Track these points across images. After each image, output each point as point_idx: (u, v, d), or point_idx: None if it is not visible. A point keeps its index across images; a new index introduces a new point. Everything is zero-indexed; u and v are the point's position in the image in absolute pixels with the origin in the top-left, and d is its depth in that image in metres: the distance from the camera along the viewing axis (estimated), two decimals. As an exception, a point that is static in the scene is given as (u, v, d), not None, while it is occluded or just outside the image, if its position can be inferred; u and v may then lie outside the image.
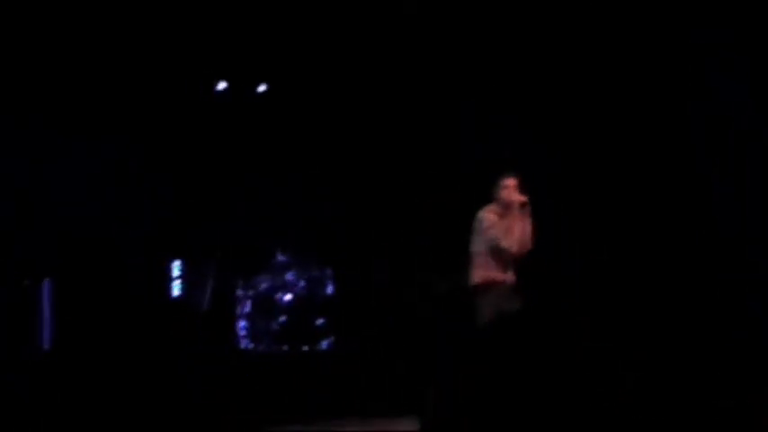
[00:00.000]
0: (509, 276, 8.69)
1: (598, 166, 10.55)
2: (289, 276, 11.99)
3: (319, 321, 11.87)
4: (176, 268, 11.78)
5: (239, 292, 11.93)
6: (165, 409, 9.94)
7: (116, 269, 11.24)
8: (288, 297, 11.95)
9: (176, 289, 11.83)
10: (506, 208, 8.66)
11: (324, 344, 11.88)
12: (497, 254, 8.60)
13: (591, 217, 10.42)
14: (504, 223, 8.61)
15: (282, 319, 11.88)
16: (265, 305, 11.92)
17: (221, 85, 11.70)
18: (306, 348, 11.85)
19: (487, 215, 8.67)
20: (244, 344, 11.83)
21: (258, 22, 10.92)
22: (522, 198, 8.61)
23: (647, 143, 10.23)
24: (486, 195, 8.71)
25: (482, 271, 8.63)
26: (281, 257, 12.04)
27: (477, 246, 8.67)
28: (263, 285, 11.98)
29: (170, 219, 11.64)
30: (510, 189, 8.69)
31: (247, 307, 11.91)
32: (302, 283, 11.99)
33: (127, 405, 9.81)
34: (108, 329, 10.83)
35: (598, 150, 10.55)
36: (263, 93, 11.82)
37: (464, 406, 7.03)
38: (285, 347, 11.84)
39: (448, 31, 10.65)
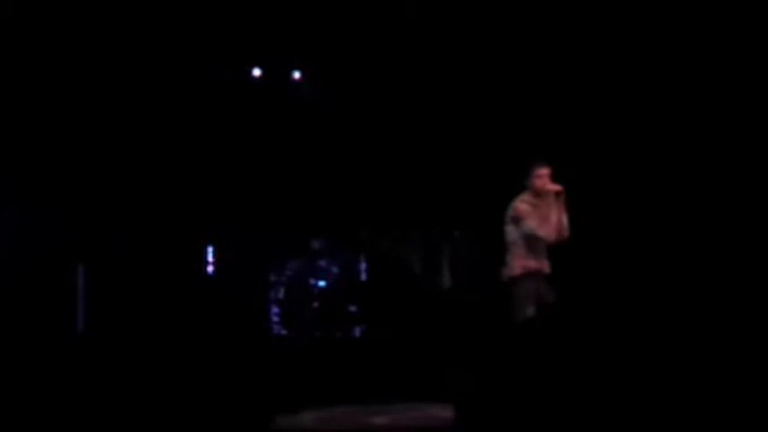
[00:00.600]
0: (545, 265, 8.83)
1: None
2: (322, 262, 11.92)
3: (352, 308, 11.80)
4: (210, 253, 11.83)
5: (272, 278, 11.84)
6: (197, 393, 9.71)
7: (151, 254, 11.31)
8: (321, 283, 11.88)
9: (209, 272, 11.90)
10: (540, 197, 8.83)
11: (356, 331, 11.82)
12: (534, 243, 8.77)
13: (624, 205, 10.51)
14: (539, 212, 8.79)
15: (315, 305, 11.81)
16: (298, 291, 11.83)
17: (257, 72, 11.78)
18: (338, 335, 11.78)
19: (521, 205, 8.86)
20: (276, 330, 11.77)
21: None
22: (557, 187, 8.77)
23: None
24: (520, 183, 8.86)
25: (519, 261, 8.84)
26: (315, 243, 11.97)
27: (513, 235, 8.85)
28: (297, 271, 11.89)
29: (202, 204, 11.68)
30: (544, 178, 8.86)
31: (280, 293, 11.83)
32: (335, 270, 11.91)
33: (158, 390, 9.57)
34: (142, 315, 10.88)
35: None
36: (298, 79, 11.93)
37: (501, 394, 7.06)
38: (318, 334, 11.76)
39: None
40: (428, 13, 10.84)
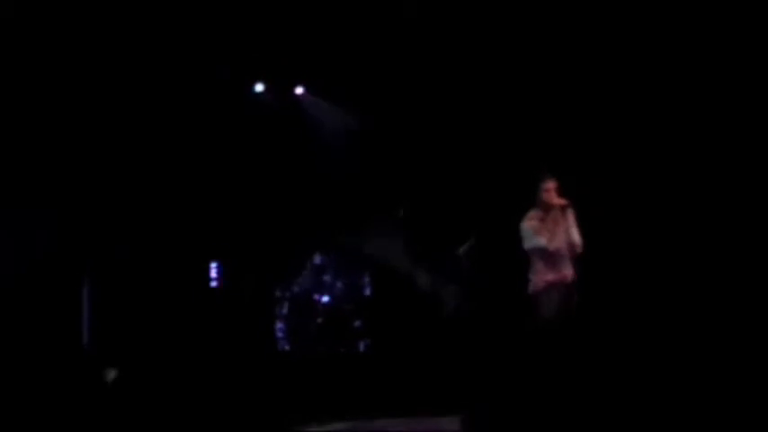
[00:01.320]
0: (567, 275, 8.90)
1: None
2: (326, 278, 11.86)
3: (356, 323, 11.76)
4: (214, 269, 11.84)
5: (277, 293, 11.82)
6: (202, 406, 9.71)
7: (156, 270, 11.29)
8: (325, 299, 11.82)
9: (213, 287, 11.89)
10: (548, 211, 8.94)
11: (361, 345, 11.76)
12: (550, 256, 8.88)
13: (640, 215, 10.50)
14: (548, 226, 8.92)
15: (320, 320, 11.75)
16: (303, 307, 11.78)
17: (259, 87, 11.81)
18: (343, 350, 11.73)
19: (529, 223, 9.01)
20: (281, 345, 11.73)
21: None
22: (562, 201, 8.87)
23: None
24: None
25: (539, 275, 8.98)
26: (318, 259, 11.93)
27: (528, 251, 8.98)
28: (301, 287, 11.85)
29: (208, 221, 11.64)
30: (550, 192, 8.96)
31: (285, 308, 11.79)
32: (339, 285, 11.86)
33: (163, 403, 9.54)
34: (147, 329, 10.90)
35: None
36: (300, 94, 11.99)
37: (512, 406, 7.09)
38: (322, 349, 11.69)
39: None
40: (432, 34, 10.96)
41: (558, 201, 8.93)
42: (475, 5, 10.68)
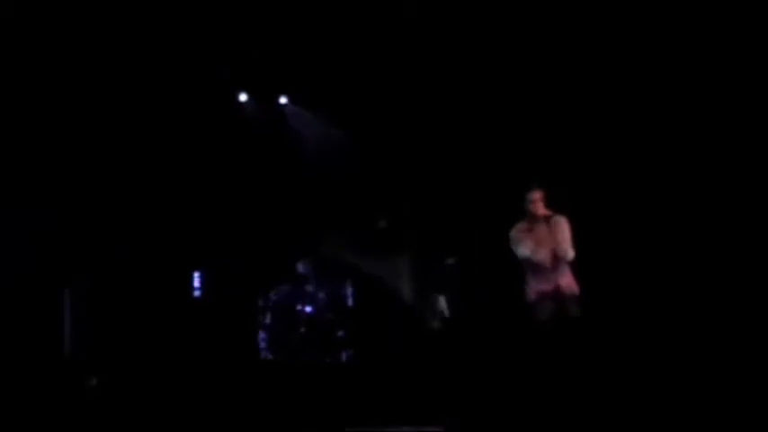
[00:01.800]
0: (565, 285, 8.86)
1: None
2: (309, 288, 11.77)
3: (339, 333, 11.67)
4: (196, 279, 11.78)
5: (260, 303, 11.72)
6: (184, 417, 9.74)
7: (139, 279, 11.27)
8: (308, 309, 11.71)
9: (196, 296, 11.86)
10: (535, 221, 8.97)
11: (344, 356, 11.67)
12: (540, 267, 8.89)
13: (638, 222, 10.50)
14: (536, 237, 8.92)
15: (302, 330, 11.62)
16: (286, 316, 11.66)
17: (243, 97, 11.80)
18: (326, 360, 11.61)
19: (516, 234, 9.06)
20: (264, 355, 11.62)
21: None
22: (547, 212, 8.90)
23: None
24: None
25: (532, 286, 8.98)
26: (301, 268, 11.85)
27: (522, 262, 8.98)
28: (284, 296, 11.73)
29: (190, 229, 11.67)
30: (536, 203, 8.98)
31: (267, 318, 11.68)
32: (322, 295, 11.76)
33: (144, 412, 9.64)
34: (129, 338, 10.87)
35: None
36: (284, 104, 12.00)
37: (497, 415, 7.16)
38: (305, 359, 11.54)
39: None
40: (418, 45, 11.00)
41: (543, 211, 8.96)
42: (460, 18, 10.74)
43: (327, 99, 11.59)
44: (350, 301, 11.82)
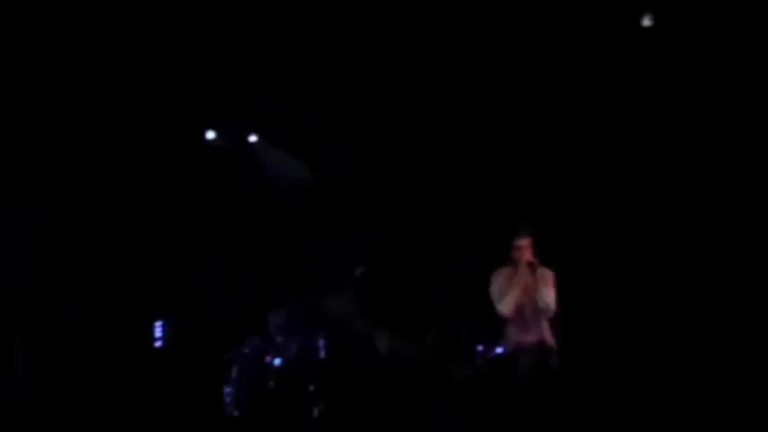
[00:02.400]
0: (541, 338, 8.74)
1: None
2: (279, 339, 11.19)
3: (311, 387, 11.04)
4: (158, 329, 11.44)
5: (226, 356, 11.13)
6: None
7: (97, 329, 11.00)
8: (278, 361, 11.11)
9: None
10: (517, 269, 8.87)
11: (315, 411, 11.01)
12: (518, 317, 8.74)
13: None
14: (515, 285, 8.79)
15: (271, 384, 11.03)
16: (254, 370, 11.07)
17: (210, 134, 11.47)
18: (296, 415, 10.98)
19: (495, 278, 8.94)
20: (229, 411, 11.00)
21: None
22: (532, 260, 8.73)
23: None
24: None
25: (511, 336, 8.85)
26: (272, 318, 11.24)
27: (499, 313, 8.93)
28: (252, 349, 11.18)
29: (152, 277, 11.33)
30: (521, 250, 8.83)
31: (234, 372, 11.07)
32: (293, 347, 11.16)
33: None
34: (88, 391, 10.61)
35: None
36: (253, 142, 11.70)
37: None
38: (274, 414, 10.95)
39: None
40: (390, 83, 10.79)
41: (528, 259, 8.77)
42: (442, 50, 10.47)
43: (301, 139, 11.34)
44: (322, 354, 11.21)
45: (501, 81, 10.45)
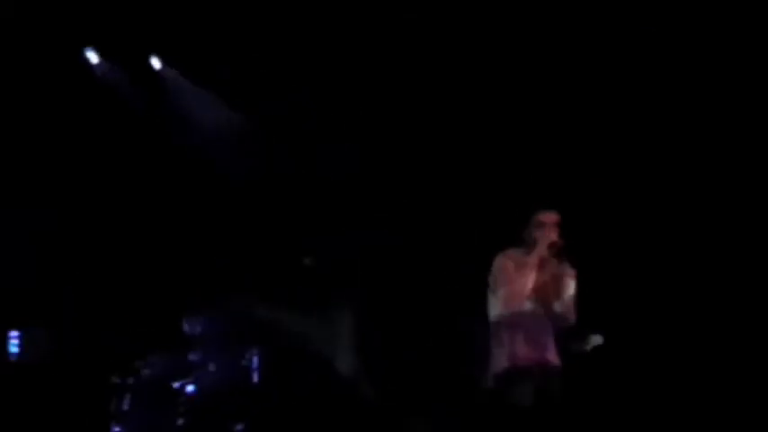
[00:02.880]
0: (548, 355, 7.27)
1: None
2: (194, 357, 9.38)
3: (238, 427, 9.19)
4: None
5: (115, 381, 9.24)
6: None
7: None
8: (190, 388, 9.26)
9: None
10: (532, 252, 7.25)
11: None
12: (521, 321, 7.19)
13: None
14: (518, 271, 7.22)
15: (181, 421, 9.11)
16: (155, 399, 9.19)
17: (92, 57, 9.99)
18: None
19: (499, 260, 7.31)
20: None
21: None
22: (554, 238, 7.24)
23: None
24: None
25: (506, 349, 7.21)
26: (185, 328, 9.46)
27: (493, 311, 7.32)
28: (154, 370, 9.32)
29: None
30: (546, 228, 7.31)
31: (125, 402, 9.13)
32: (214, 368, 9.29)
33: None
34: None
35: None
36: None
37: None
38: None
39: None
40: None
41: (553, 239, 7.16)
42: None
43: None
44: (255, 376, 9.45)
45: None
